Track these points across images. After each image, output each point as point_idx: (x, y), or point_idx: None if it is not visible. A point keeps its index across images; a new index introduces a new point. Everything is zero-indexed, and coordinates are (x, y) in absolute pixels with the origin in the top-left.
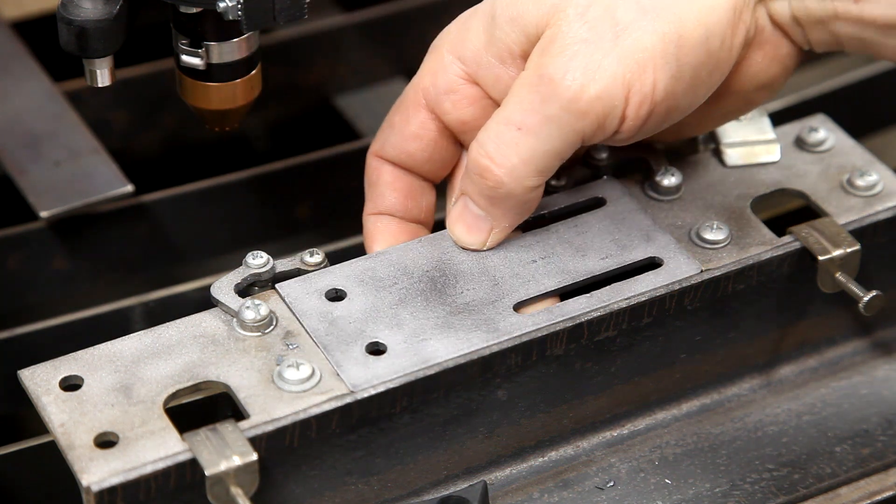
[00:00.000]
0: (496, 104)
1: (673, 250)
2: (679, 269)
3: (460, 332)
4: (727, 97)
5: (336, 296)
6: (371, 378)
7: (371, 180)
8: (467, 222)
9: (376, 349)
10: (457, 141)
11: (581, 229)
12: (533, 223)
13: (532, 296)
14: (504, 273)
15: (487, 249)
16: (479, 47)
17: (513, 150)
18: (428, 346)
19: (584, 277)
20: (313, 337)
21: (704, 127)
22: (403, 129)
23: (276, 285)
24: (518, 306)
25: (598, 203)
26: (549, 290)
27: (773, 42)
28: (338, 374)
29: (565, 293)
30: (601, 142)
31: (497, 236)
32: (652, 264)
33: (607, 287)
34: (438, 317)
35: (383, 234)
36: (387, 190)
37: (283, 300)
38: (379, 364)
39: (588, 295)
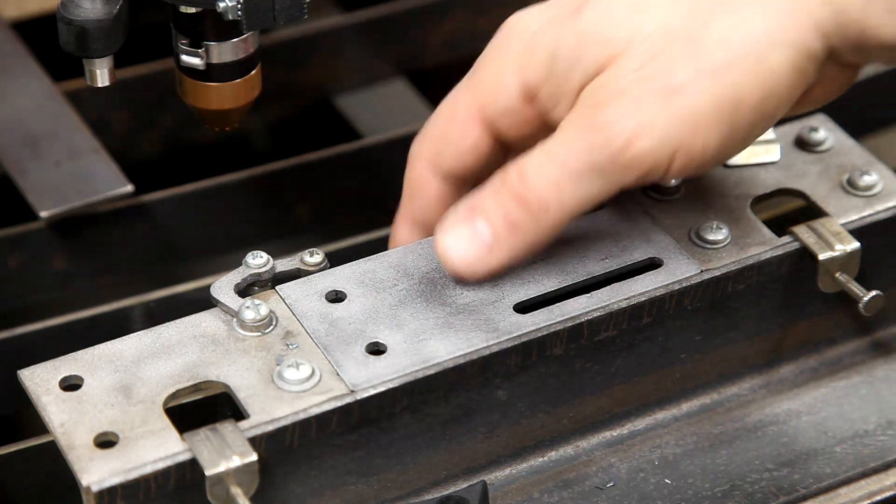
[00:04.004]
0: (551, 128)
1: (673, 250)
2: (679, 270)
3: (460, 333)
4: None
5: (336, 297)
6: (371, 378)
7: (416, 190)
8: (468, 241)
9: (376, 349)
10: (506, 155)
11: (581, 230)
12: None
13: (532, 297)
14: (504, 274)
15: (469, 278)
16: (542, 74)
17: (553, 188)
18: (428, 346)
19: (585, 278)
20: (313, 337)
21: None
22: (461, 142)
23: (276, 287)
24: (518, 307)
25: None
26: (549, 290)
27: (834, 77)
28: (338, 374)
29: (565, 294)
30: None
31: (490, 266)
32: (652, 265)
33: (607, 287)
34: (438, 317)
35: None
36: (433, 203)
37: (284, 301)
38: (379, 364)
39: (588, 295)
